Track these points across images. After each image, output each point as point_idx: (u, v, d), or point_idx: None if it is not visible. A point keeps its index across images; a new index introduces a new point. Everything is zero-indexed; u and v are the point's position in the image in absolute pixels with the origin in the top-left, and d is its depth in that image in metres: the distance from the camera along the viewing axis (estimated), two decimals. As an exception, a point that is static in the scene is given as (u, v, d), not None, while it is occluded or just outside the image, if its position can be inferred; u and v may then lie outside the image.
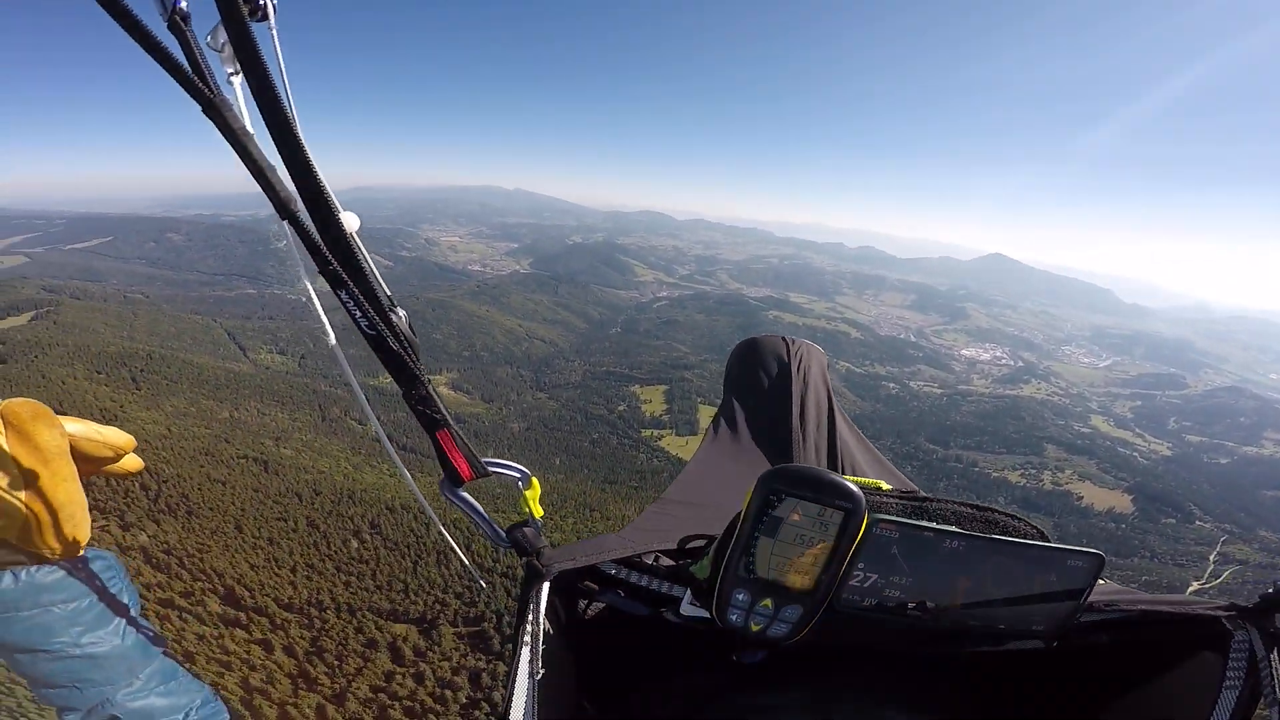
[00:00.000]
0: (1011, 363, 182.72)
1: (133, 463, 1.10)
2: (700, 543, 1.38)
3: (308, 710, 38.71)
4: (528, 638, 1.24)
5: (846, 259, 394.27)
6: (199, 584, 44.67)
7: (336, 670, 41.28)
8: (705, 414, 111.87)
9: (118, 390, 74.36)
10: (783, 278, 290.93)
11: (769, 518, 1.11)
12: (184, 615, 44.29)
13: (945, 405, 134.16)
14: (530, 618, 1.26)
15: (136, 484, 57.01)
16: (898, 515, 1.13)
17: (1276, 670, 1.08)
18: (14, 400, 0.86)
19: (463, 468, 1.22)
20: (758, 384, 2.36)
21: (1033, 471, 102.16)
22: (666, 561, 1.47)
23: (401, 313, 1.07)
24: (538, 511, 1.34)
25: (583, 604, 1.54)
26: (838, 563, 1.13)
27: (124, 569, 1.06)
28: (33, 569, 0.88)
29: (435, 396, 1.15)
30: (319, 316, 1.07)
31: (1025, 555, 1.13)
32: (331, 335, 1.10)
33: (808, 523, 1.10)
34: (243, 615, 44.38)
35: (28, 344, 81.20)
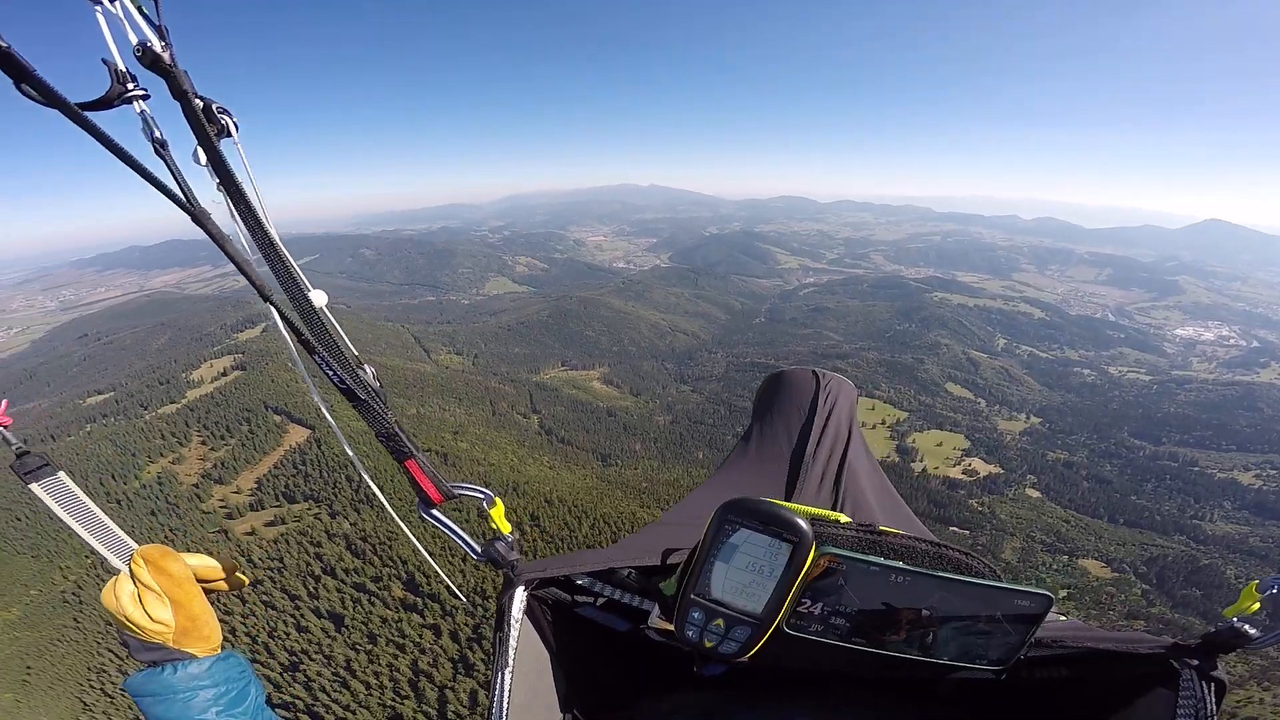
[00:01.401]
0: (1243, 343, 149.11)
1: (233, 582, 1.38)
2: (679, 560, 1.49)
3: (462, 694, 42.57)
4: (511, 644, 1.42)
5: (1022, 232, 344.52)
6: (387, 569, 51.10)
7: (490, 659, 45.54)
8: (861, 406, 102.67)
9: (328, 392, 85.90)
10: (947, 256, 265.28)
11: (725, 544, 1.24)
12: (372, 599, 50.96)
13: (1155, 394, 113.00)
14: (506, 623, 1.44)
15: (343, 476, 67.04)
16: (847, 548, 1.21)
17: (1212, 710, 1.13)
18: (146, 546, 1.20)
19: (431, 492, 1.39)
20: (781, 414, 2.43)
21: (1273, 473, 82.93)
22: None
23: (369, 369, 1.28)
24: (505, 528, 1.48)
25: (556, 615, 1.62)
26: (783, 589, 1.22)
27: (250, 666, 1.33)
28: (184, 663, 1.19)
29: (402, 433, 1.30)
30: (304, 378, 1.33)
31: (971, 593, 1.19)
32: (316, 395, 1.41)
33: (759, 551, 1.22)
34: (419, 600, 49.60)
35: (261, 353, 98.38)
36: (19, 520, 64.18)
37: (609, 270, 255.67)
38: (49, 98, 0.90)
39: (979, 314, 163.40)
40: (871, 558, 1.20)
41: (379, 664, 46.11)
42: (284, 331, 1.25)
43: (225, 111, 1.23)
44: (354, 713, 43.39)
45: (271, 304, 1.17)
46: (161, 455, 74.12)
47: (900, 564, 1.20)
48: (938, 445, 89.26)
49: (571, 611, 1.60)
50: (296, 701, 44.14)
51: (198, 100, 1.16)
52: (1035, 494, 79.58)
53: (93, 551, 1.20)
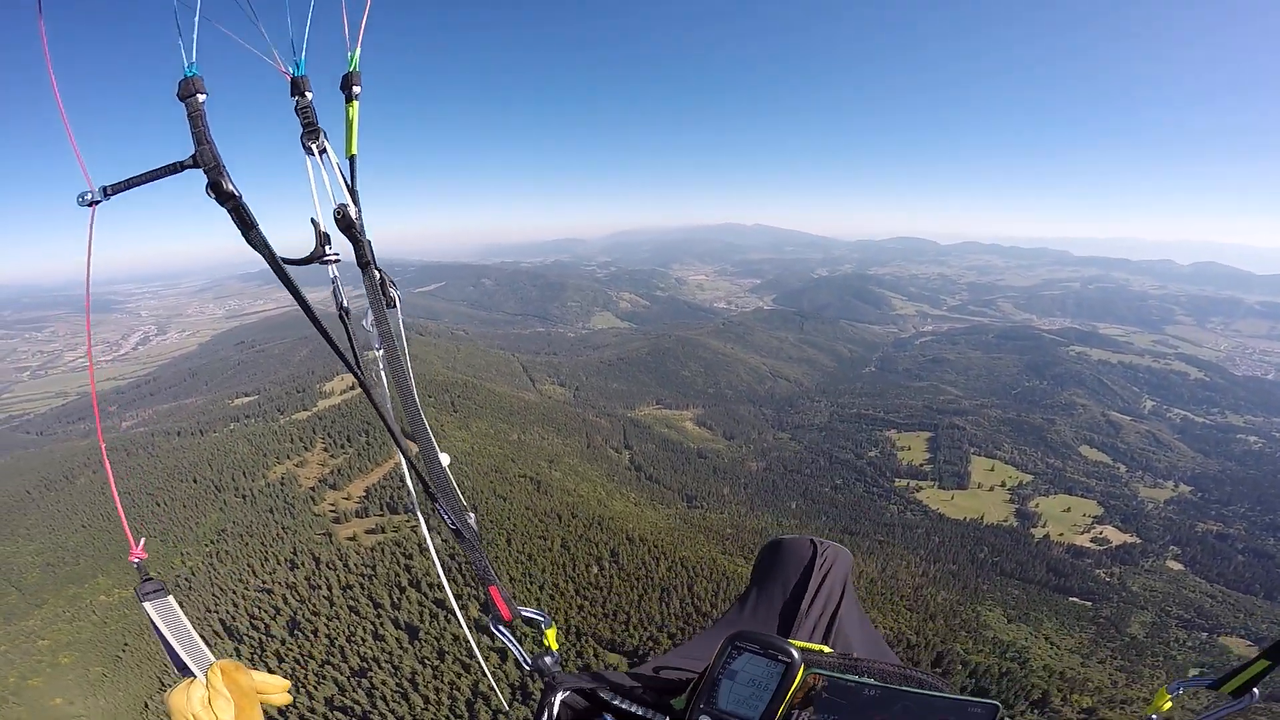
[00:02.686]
0: None
1: (283, 698, 1.53)
2: (678, 677, 2.03)
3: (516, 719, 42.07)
4: None
5: (1178, 279, 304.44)
6: (468, 589, 51.49)
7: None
8: (979, 466, 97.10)
9: (441, 412, 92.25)
10: (1087, 305, 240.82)
11: (731, 665, 1.60)
12: (449, 616, 51.37)
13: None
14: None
15: (455, 536, 69.60)
16: (828, 669, 1.58)
17: None
18: (224, 660, 1.39)
19: (504, 612, 1.73)
20: (780, 577, 2.71)
21: None
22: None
23: (471, 515, 1.65)
24: (554, 646, 1.89)
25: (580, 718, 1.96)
26: (776, 701, 1.54)
27: None
28: None
29: (489, 564, 1.71)
30: (420, 521, 1.84)
31: (928, 703, 1.50)
32: (426, 532, 1.96)
33: (758, 670, 1.57)
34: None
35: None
36: (158, 505, 72.12)
37: (709, 310, 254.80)
38: (264, 249, 1.10)
39: (1123, 372, 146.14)
40: (848, 675, 1.55)
41: (442, 680, 46.42)
42: (410, 481, 1.59)
43: (394, 284, 1.62)
44: None
45: (407, 459, 1.43)
46: (288, 458, 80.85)
47: (871, 680, 1.53)
48: (1065, 511, 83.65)
49: (589, 718, 1.92)
50: (355, 706, 45.08)
51: (377, 271, 1.55)
52: (1177, 566, 72.86)
53: (176, 660, 1.39)
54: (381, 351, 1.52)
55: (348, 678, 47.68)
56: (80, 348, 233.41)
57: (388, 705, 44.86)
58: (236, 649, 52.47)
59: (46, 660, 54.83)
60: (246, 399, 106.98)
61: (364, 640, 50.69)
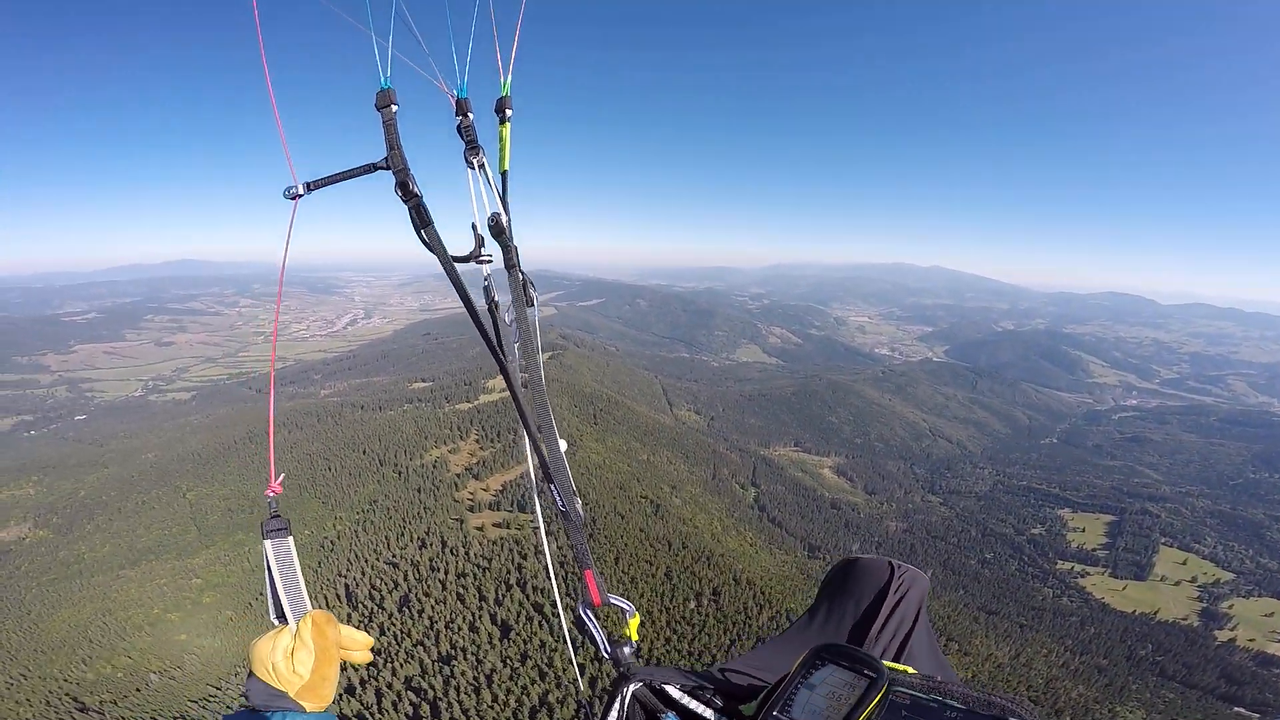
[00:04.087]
0: None
1: (365, 657, 1.60)
2: (745, 683, 2.02)
3: None
4: None
5: None
6: (568, 600, 51.90)
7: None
8: (1167, 558, 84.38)
9: (583, 423, 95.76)
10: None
11: (812, 675, 1.58)
12: (542, 622, 52.05)
13: None
14: (609, 711, 1.84)
15: (562, 517, 71.72)
16: (915, 690, 1.51)
17: None
18: (317, 611, 1.48)
19: (595, 597, 1.81)
20: (852, 597, 2.61)
21: None
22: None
23: (579, 500, 1.81)
24: (634, 636, 1.91)
25: (644, 712, 1.95)
26: (854, 716, 1.48)
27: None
28: (294, 714, 1.39)
29: (588, 550, 1.81)
30: (537, 513, 2.10)
31: None
32: (540, 519, 2.21)
33: (840, 684, 1.55)
34: (580, 639, 49.25)
35: (545, 378, 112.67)
36: (328, 470, 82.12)
37: (868, 355, 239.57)
38: (437, 244, 1.35)
39: None
40: (932, 696, 1.49)
41: (515, 684, 47.02)
42: (530, 458, 1.88)
43: (533, 286, 1.91)
44: (468, 718, 44.85)
45: (534, 443, 1.66)
46: (444, 443, 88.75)
47: (955, 703, 1.47)
48: (1266, 616, 73.95)
49: (655, 715, 1.92)
50: (430, 690, 46.82)
51: (521, 274, 1.81)
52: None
53: (275, 604, 1.50)
54: (519, 343, 1.77)
55: (433, 661, 49.94)
56: (305, 320, 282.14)
57: (458, 695, 46.34)
58: (348, 615, 56.53)
59: (192, 598, 62.82)
60: (422, 384, 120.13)
61: (459, 629, 52.93)
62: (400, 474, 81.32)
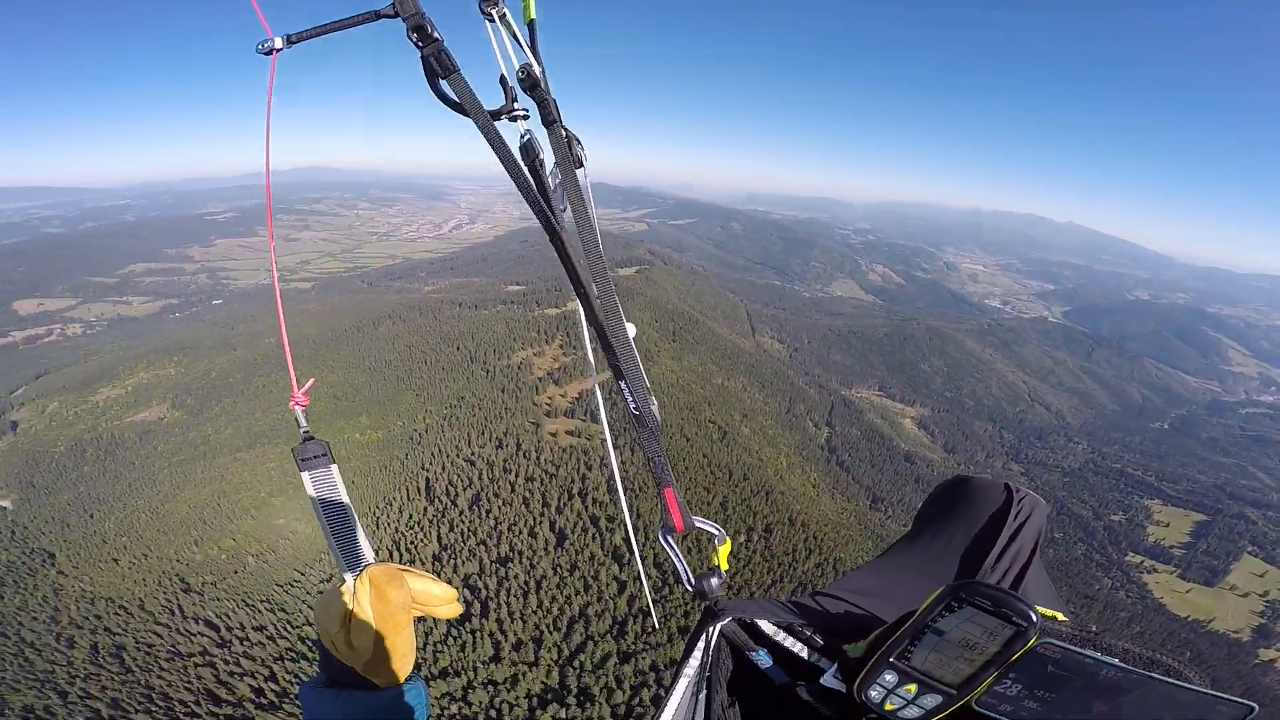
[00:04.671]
0: None
1: (451, 610, 1.32)
2: (841, 610, 1.77)
3: (598, 653, 44.00)
4: (689, 671, 1.59)
5: None
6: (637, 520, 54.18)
7: (665, 645, 44.79)
8: (1245, 568, 77.76)
9: (662, 339, 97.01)
10: None
11: (943, 619, 1.29)
12: (596, 536, 53.89)
13: None
14: (698, 654, 1.61)
15: (635, 421, 73.76)
16: (1066, 641, 1.25)
17: None
18: (375, 566, 1.19)
19: (677, 520, 1.50)
20: (964, 519, 2.36)
21: None
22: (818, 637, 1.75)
23: (654, 400, 1.46)
24: (724, 565, 1.60)
25: (731, 651, 1.77)
26: (988, 668, 1.28)
27: (426, 695, 1.34)
28: (360, 695, 1.20)
29: (667, 463, 1.47)
30: (599, 403, 1.91)
31: (1173, 696, 1.22)
32: (605, 422, 2.00)
33: (977, 631, 1.26)
34: (628, 556, 51.24)
35: (627, 291, 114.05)
36: (424, 364, 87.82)
37: (976, 305, 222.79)
38: (466, 93, 1.16)
39: None
40: (1089, 652, 1.25)
41: (560, 592, 49.18)
42: (589, 353, 1.55)
43: (579, 143, 1.53)
44: (513, 620, 47.46)
45: (597, 327, 1.37)
46: (530, 346, 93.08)
47: (1115, 660, 1.24)
48: None
49: (743, 653, 1.73)
50: (483, 590, 49.69)
51: (563, 130, 1.48)
52: None
53: (331, 555, 1.24)
54: (568, 210, 1.40)
55: (491, 561, 52.74)
56: (415, 223, 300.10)
57: (508, 598, 49.06)
58: (424, 508, 59.73)
59: (293, 482, 64.79)
60: (516, 287, 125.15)
61: (520, 532, 55.53)
62: (488, 373, 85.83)
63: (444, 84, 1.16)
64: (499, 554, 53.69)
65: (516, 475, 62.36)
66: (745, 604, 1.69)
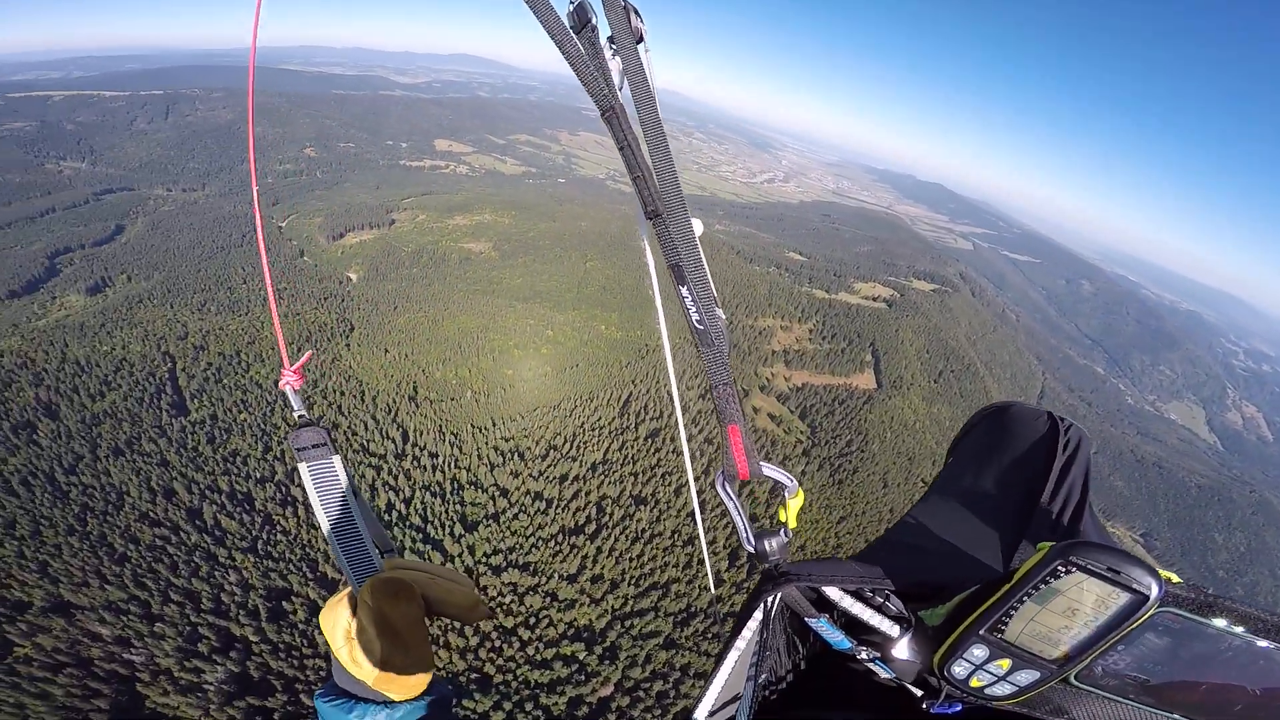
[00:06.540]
0: None
1: (475, 615, 1.20)
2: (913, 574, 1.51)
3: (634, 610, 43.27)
4: (741, 641, 1.38)
5: None
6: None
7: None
8: None
9: (922, 375, 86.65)
10: None
11: (1046, 585, 1.09)
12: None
13: None
14: (754, 623, 1.41)
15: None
16: (1188, 610, 1.07)
17: None
18: (381, 578, 1.08)
19: (741, 466, 1.28)
20: (1003, 455, 2.00)
21: None
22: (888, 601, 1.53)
23: (720, 313, 1.22)
24: (792, 523, 1.39)
25: (790, 618, 1.58)
26: (1097, 640, 1.10)
27: (451, 702, 1.25)
28: (373, 710, 1.10)
29: (736, 393, 1.24)
30: (656, 307, 1.41)
31: None
32: (664, 328, 1.49)
33: (1088, 599, 1.07)
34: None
35: (909, 305, 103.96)
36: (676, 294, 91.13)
37: None
38: None
39: None
40: (1214, 622, 1.06)
41: (661, 557, 48.48)
42: (651, 253, 1.27)
43: (638, 14, 1.21)
44: (609, 556, 47.74)
45: (658, 220, 1.13)
46: (780, 317, 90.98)
47: (1240, 630, 1.06)
48: None
49: (802, 621, 1.53)
50: (608, 516, 50.52)
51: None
52: None
53: (335, 560, 1.13)
54: (627, 90, 1.11)
55: (631, 495, 53.04)
56: (735, 165, 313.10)
57: (621, 534, 49.38)
58: (612, 418, 60.02)
59: (535, 345, 71.31)
60: (798, 257, 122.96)
61: (669, 483, 55.06)
62: (729, 325, 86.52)
63: None
64: (640, 493, 54.29)
65: (699, 431, 62.50)
66: (809, 566, 1.44)
